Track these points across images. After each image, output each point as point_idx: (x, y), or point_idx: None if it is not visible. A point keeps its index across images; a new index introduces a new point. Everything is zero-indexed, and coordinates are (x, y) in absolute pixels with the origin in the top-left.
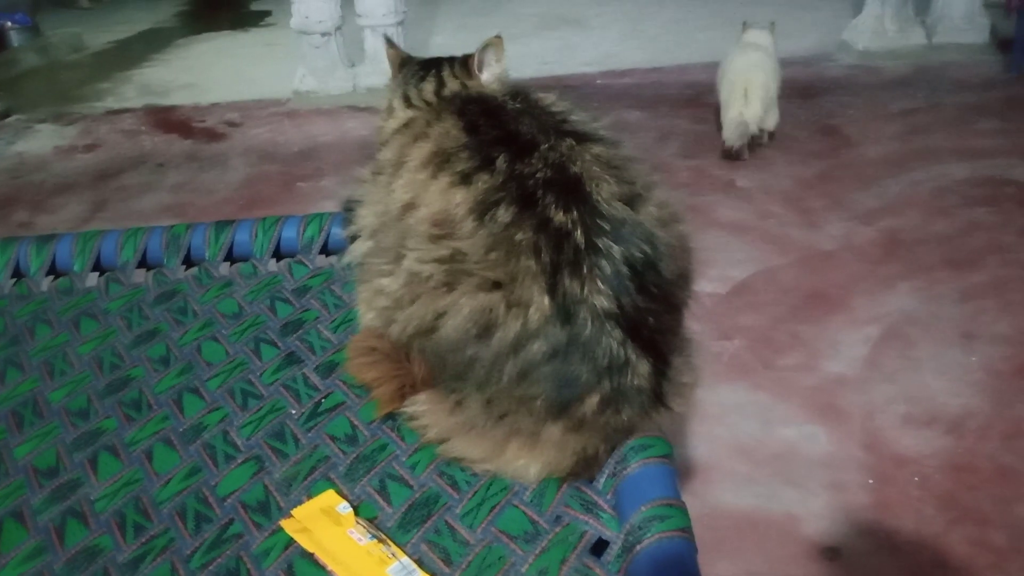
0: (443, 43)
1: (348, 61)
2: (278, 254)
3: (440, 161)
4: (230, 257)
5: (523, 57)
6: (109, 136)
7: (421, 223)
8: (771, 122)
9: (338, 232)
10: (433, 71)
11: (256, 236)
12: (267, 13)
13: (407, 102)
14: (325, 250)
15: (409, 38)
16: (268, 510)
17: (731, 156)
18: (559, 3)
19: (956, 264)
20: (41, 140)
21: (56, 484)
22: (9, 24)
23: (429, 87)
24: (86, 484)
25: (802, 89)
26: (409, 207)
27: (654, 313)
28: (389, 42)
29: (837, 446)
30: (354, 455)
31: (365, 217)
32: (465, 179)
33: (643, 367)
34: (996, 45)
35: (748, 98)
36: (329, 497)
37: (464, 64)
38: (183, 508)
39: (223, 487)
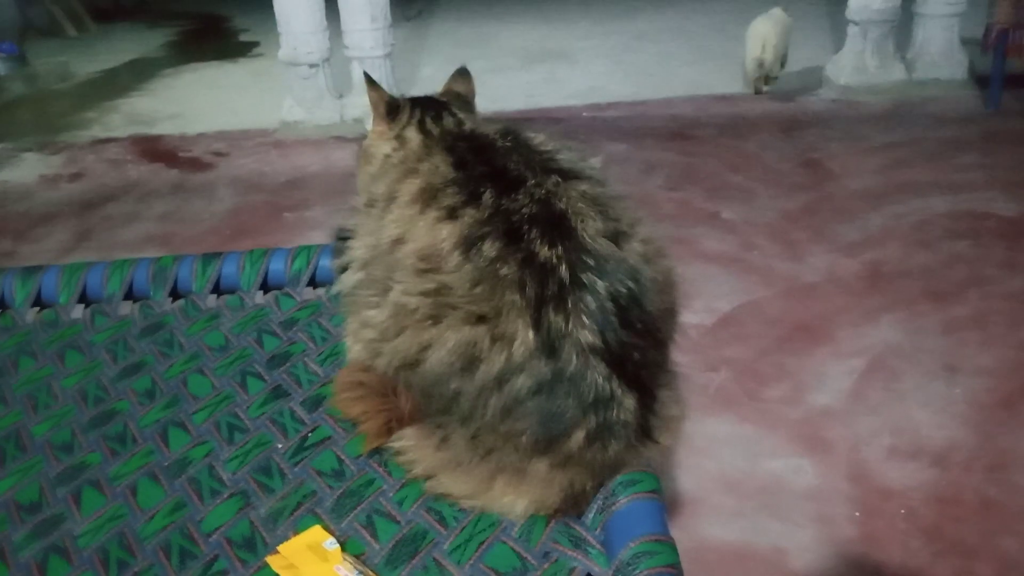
0: (431, 75)
1: (336, 92)
2: (265, 286)
3: (428, 197)
4: (217, 289)
5: (510, 89)
6: (95, 165)
7: (408, 257)
8: (776, 71)
9: (326, 264)
10: (444, 109)
11: (244, 268)
12: (255, 44)
13: (424, 132)
14: (313, 282)
15: (397, 71)
16: (254, 546)
17: (757, 89)
18: (545, 37)
19: (938, 297)
20: (26, 169)
21: (39, 520)
22: None
23: (450, 121)
24: (69, 520)
25: (785, 122)
26: (398, 242)
27: (639, 348)
28: (371, 80)
29: (823, 479)
30: (341, 490)
31: (356, 249)
32: (452, 214)
33: (629, 402)
34: (974, 81)
35: (765, 48)
36: (316, 533)
37: (458, 98)
38: (167, 544)
39: (208, 522)
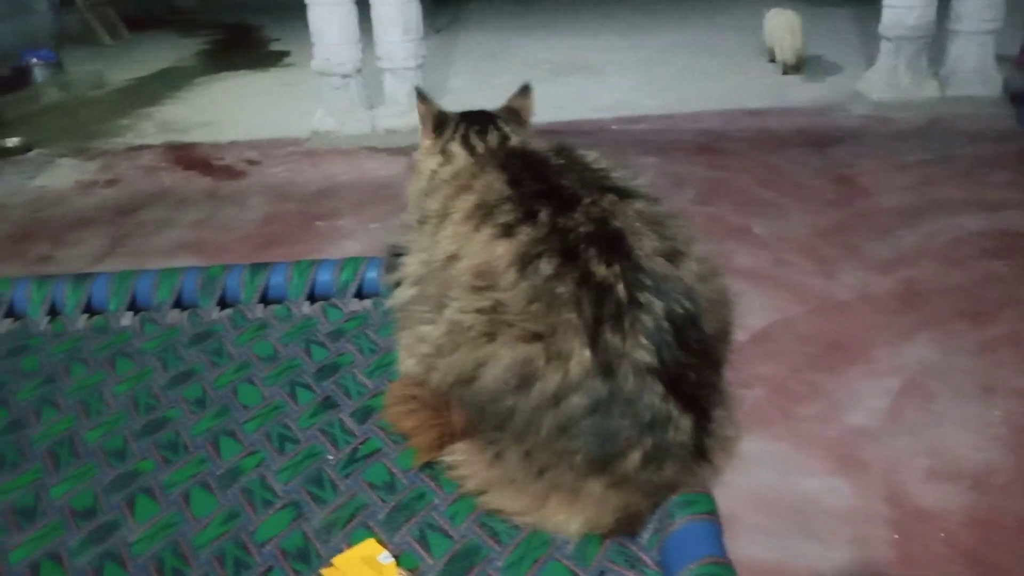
0: (460, 86)
1: (367, 103)
2: (312, 297)
3: (483, 214)
4: (264, 299)
5: (538, 102)
6: (129, 172)
7: (463, 274)
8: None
9: (373, 276)
10: (491, 123)
11: (291, 279)
12: (286, 53)
13: (470, 149)
14: (359, 294)
15: (426, 81)
16: (308, 557)
17: (790, 71)
18: (571, 49)
19: (973, 316)
20: (62, 175)
21: (93, 526)
22: (34, 60)
23: (494, 138)
24: (123, 527)
25: (817, 138)
26: (453, 258)
27: (695, 368)
28: (422, 96)
29: (860, 499)
30: (393, 503)
31: (410, 265)
32: (508, 231)
33: (685, 422)
34: (1008, 98)
35: (794, 35)
36: (370, 546)
37: (512, 114)
38: (222, 553)
39: (261, 533)
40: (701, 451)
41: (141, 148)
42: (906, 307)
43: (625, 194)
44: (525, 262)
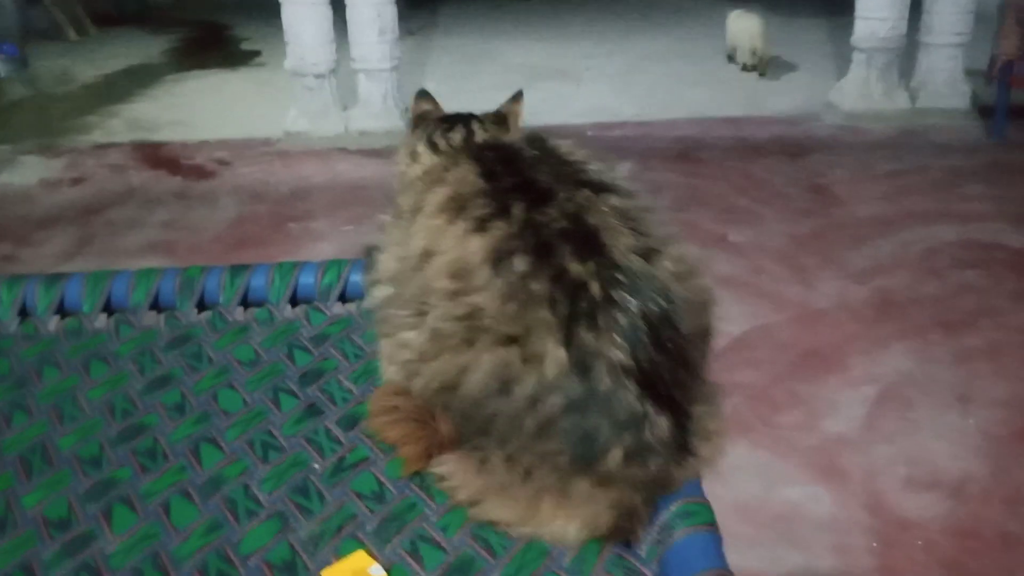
0: (434, 89)
1: (341, 104)
2: (294, 300)
3: (456, 207)
4: (244, 302)
5: None
6: (96, 170)
7: (439, 276)
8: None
9: (357, 279)
10: (461, 123)
11: (273, 281)
12: (257, 53)
13: (433, 147)
14: (343, 297)
15: (401, 83)
16: (295, 570)
17: (749, 70)
18: (548, 55)
19: (949, 326)
20: (27, 172)
21: (68, 537)
22: None
23: (458, 136)
24: (100, 538)
25: (791, 147)
26: (427, 255)
27: (670, 369)
28: (424, 95)
29: (840, 508)
30: (382, 514)
31: (385, 262)
32: (481, 226)
33: (662, 421)
34: (977, 111)
35: (754, 37)
36: (360, 558)
37: (497, 117)
38: (204, 566)
39: (246, 545)
40: (684, 446)
41: (108, 146)
42: (882, 316)
43: (601, 188)
44: (499, 259)
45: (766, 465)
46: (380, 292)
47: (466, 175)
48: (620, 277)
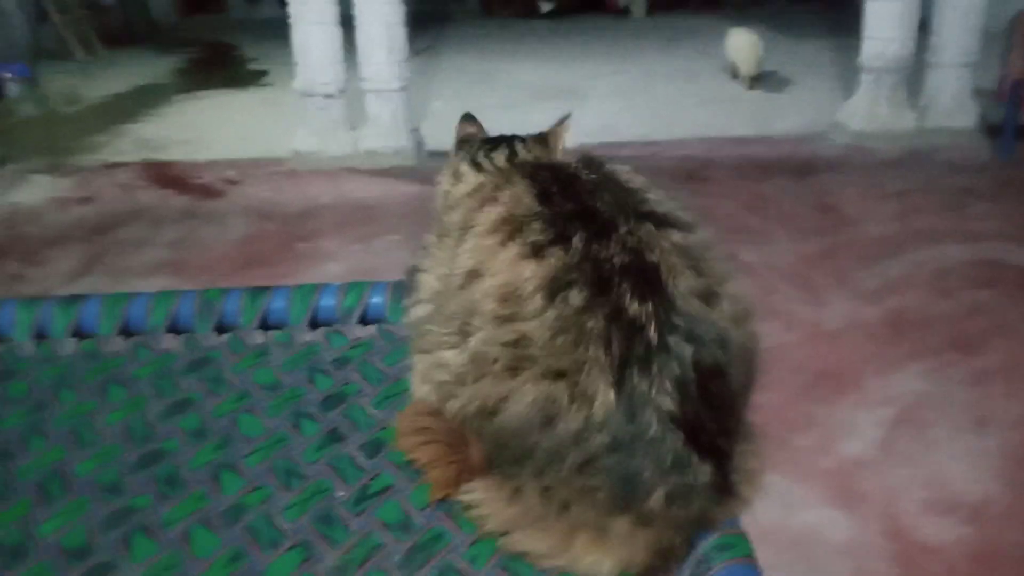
0: (441, 109)
1: (350, 124)
2: (314, 322)
3: (511, 229)
4: (264, 324)
5: (521, 126)
6: (105, 189)
7: (486, 298)
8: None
9: (378, 302)
10: (504, 143)
11: (293, 303)
12: (264, 73)
13: (476, 166)
14: (364, 320)
15: (409, 103)
16: None
17: (754, 83)
18: (554, 74)
19: (963, 347)
20: (36, 191)
21: (87, 567)
22: (8, 75)
23: (501, 155)
24: (120, 567)
25: (800, 166)
26: (474, 275)
27: (716, 418)
28: (469, 118)
29: (859, 532)
30: (409, 544)
31: (427, 281)
32: (537, 252)
33: (705, 467)
34: (984, 130)
35: (752, 52)
36: None
37: (540, 139)
38: None
39: (269, 575)
40: (727, 488)
41: (117, 165)
42: (896, 336)
43: (663, 222)
44: (554, 290)
45: (783, 488)
46: (420, 311)
47: (521, 196)
48: (677, 321)
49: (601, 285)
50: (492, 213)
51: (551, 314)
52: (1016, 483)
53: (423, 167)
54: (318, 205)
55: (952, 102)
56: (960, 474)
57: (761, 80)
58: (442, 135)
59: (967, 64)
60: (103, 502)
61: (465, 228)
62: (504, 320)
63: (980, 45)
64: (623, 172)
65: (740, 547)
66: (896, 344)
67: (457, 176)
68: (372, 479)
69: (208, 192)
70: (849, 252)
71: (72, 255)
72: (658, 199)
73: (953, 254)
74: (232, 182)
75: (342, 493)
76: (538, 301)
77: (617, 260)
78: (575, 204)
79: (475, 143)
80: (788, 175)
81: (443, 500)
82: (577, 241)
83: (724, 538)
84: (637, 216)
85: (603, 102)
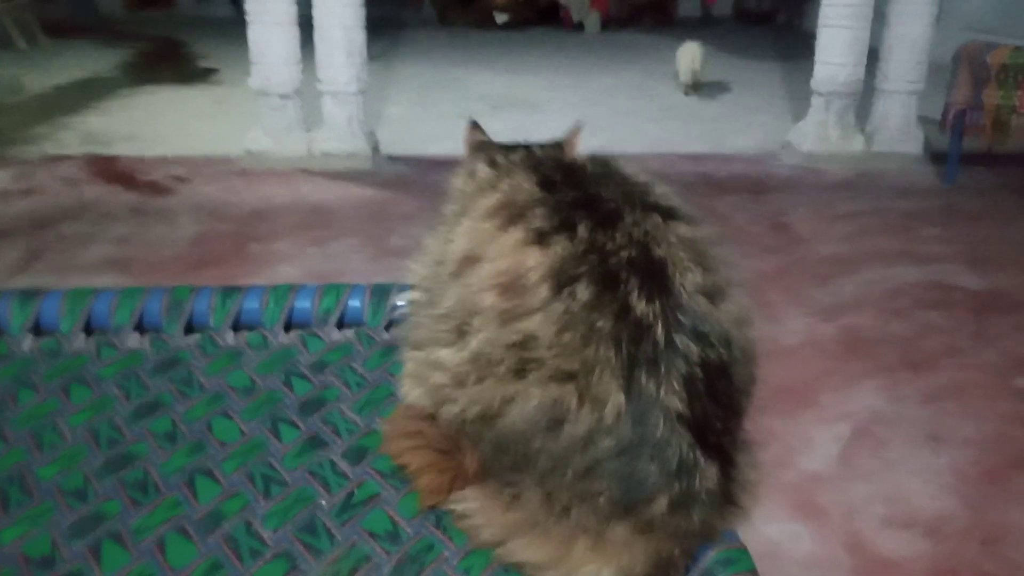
0: (398, 114)
1: (305, 125)
2: (288, 325)
3: (512, 214)
4: (235, 325)
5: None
6: (47, 183)
7: (486, 290)
8: (701, 79)
9: (356, 305)
10: (522, 148)
11: (267, 304)
12: (214, 71)
13: (493, 166)
14: (340, 323)
15: (366, 107)
16: None
17: (690, 91)
18: (511, 85)
19: (916, 366)
20: None
21: None
22: None
23: (518, 155)
24: None
25: (753, 185)
26: (470, 260)
27: (722, 417)
28: (476, 125)
29: (821, 546)
30: (398, 555)
31: (417, 268)
32: (542, 238)
33: (711, 470)
34: (929, 156)
35: (695, 61)
36: None
37: (556, 146)
38: None
39: None
40: (727, 496)
41: (60, 159)
42: (851, 354)
43: (670, 215)
44: (561, 282)
45: None
46: (410, 296)
47: (520, 183)
48: (684, 320)
49: (608, 280)
50: (490, 199)
51: (558, 307)
52: (971, 500)
53: (380, 171)
54: (272, 206)
55: (898, 128)
56: (917, 490)
57: (699, 89)
58: (399, 140)
59: (913, 92)
60: (69, 508)
61: (460, 214)
62: (507, 318)
63: (926, 74)
64: (628, 167)
65: (743, 562)
66: (851, 361)
67: (472, 175)
68: (357, 487)
69: (157, 189)
70: (803, 271)
71: (12, 249)
72: (663, 192)
73: (904, 275)
74: (182, 180)
75: (324, 501)
76: (543, 292)
77: (624, 254)
78: (579, 192)
79: (493, 147)
80: (742, 193)
81: (432, 509)
82: (583, 230)
83: (727, 552)
84: (644, 207)
85: (560, 115)
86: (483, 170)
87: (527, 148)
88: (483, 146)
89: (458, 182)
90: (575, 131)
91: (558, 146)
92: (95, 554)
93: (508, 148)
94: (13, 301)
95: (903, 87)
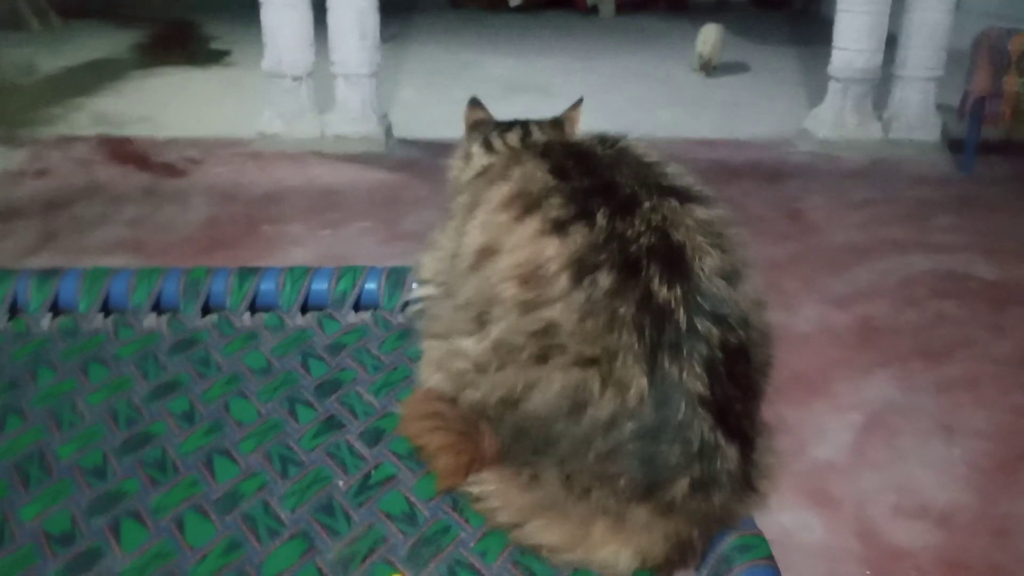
0: (410, 97)
1: (317, 107)
2: (304, 307)
3: (527, 204)
4: (252, 307)
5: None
6: (61, 163)
7: (505, 281)
8: (716, 61)
9: (372, 288)
10: (518, 125)
11: (284, 286)
12: (227, 53)
13: (488, 147)
14: (357, 306)
15: (378, 90)
16: None
17: (704, 69)
18: (522, 69)
19: (930, 356)
20: None
21: (73, 553)
22: None
23: (514, 136)
24: (108, 555)
25: (767, 172)
26: (487, 252)
27: (741, 399)
28: (476, 103)
29: (832, 535)
30: (415, 537)
31: (429, 262)
32: (559, 228)
33: (732, 452)
34: (947, 145)
35: (705, 43)
36: None
37: (555, 123)
38: None
39: (269, 566)
40: (746, 479)
41: (73, 139)
42: (864, 343)
43: (686, 197)
44: (581, 271)
45: None
46: (422, 291)
47: (533, 172)
48: (704, 304)
49: (629, 267)
50: (503, 189)
51: (579, 296)
52: (983, 491)
53: (392, 155)
54: (284, 188)
55: (916, 115)
56: (929, 481)
57: (711, 70)
58: (411, 124)
59: (932, 79)
60: (88, 486)
61: (473, 206)
62: (528, 307)
63: (945, 61)
64: (639, 146)
65: (761, 548)
66: (864, 350)
67: (468, 159)
68: (374, 468)
69: (169, 171)
70: (817, 258)
71: (27, 230)
72: (676, 172)
73: (918, 264)
74: (194, 161)
75: (341, 482)
76: (564, 282)
77: (643, 240)
78: (594, 179)
79: (488, 126)
80: (756, 179)
81: (449, 491)
82: (601, 217)
83: (745, 539)
84: (660, 191)
85: (572, 99)
86: (478, 154)
87: (524, 125)
88: (480, 124)
89: (454, 165)
90: (576, 107)
91: (558, 123)
92: (114, 531)
93: (505, 126)
94: (32, 280)
95: (922, 74)
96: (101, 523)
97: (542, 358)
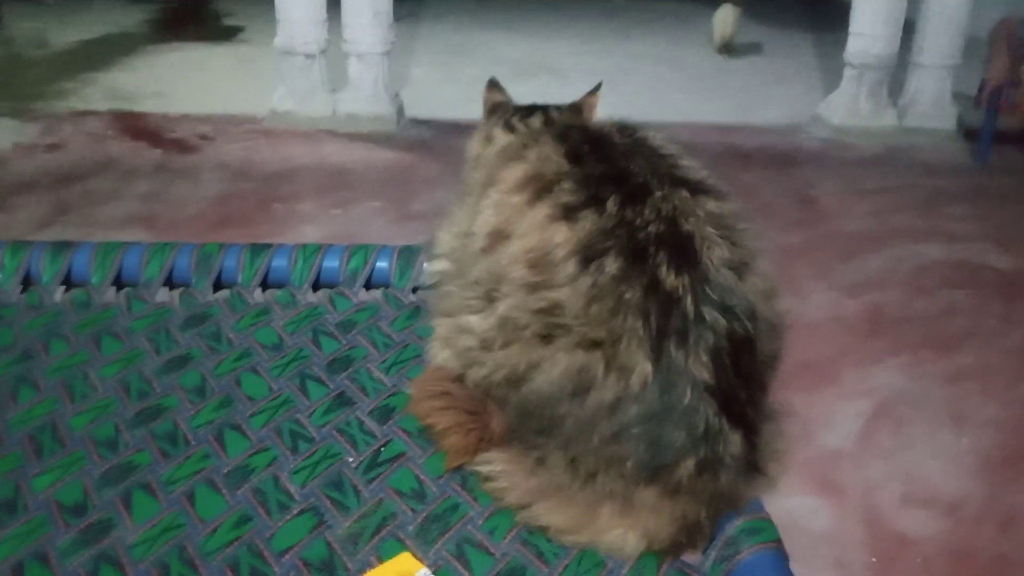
0: (422, 76)
1: (330, 86)
2: (316, 284)
3: (539, 188)
4: (264, 283)
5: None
6: (73, 137)
7: (515, 264)
8: (733, 41)
9: (384, 266)
10: (539, 110)
11: (296, 263)
12: (240, 29)
13: (510, 129)
14: (368, 284)
15: (390, 69)
16: (334, 571)
17: (723, 49)
18: (536, 50)
19: (940, 345)
20: (1, 135)
21: (85, 524)
22: None
23: (537, 120)
24: (120, 526)
25: (781, 158)
26: (500, 236)
27: (746, 388)
28: (495, 84)
29: (838, 522)
30: (424, 514)
31: (444, 238)
32: (569, 214)
33: (735, 438)
34: (962, 134)
35: (726, 23)
36: (405, 561)
37: (574, 107)
38: (236, 562)
39: (279, 540)
40: (752, 463)
41: (86, 114)
42: (874, 331)
43: (697, 189)
44: (588, 257)
45: None
46: (437, 266)
47: (549, 154)
48: (711, 293)
49: (637, 254)
50: (517, 170)
51: (585, 281)
52: (990, 482)
53: (404, 134)
54: (295, 166)
55: (932, 104)
56: (937, 470)
57: (730, 51)
58: (423, 103)
59: (949, 66)
60: (100, 458)
61: (488, 184)
62: (535, 287)
63: (963, 49)
64: (656, 138)
65: (768, 532)
66: (875, 339)
67: (489, 139)
68: (383, 445)
69: (181, 146)
70: (829, 246)
71: (40, 203)
72: (692, 165)
73: (931, 253)
74: (206, 138)
75: (351, 459)
76: (571, 267)
77: (652, 228)
78: (607, 166)
79: (509, 109)
80: (769, 165)
81: (458, 469)
82: (611, 204)
83: (752, 522)
84: (672, 181)
85: (585, 81)
86: (500, 135)
87: (544, 110)
88: (499, 107)
89: (475, 146)
90: (594, 93)
91: (576, 108)
92: (126, 503)
93: (525, 110)
94: (45, 253)
95: (939, 61)
96: (113, 495)
97: (547, 338)
